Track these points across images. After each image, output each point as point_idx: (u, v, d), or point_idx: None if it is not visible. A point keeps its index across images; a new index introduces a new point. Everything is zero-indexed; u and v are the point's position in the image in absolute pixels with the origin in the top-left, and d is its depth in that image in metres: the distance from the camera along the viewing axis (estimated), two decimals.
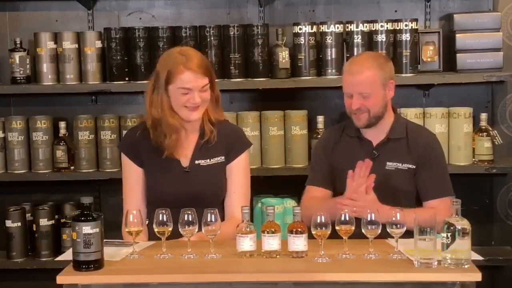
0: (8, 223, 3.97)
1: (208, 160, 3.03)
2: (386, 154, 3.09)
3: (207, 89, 2.95)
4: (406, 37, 3.85)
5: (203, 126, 3.02)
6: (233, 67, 3.89)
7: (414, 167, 3.08)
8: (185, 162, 3.03)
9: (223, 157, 3.04)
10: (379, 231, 2.65)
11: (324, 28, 3.87)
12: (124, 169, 3.11)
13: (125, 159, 3.09)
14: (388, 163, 3.09)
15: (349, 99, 3.06)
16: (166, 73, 2.93)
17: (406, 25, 3.85)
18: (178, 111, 2.96)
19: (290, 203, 3.78)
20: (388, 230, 2.64)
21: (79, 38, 3.96)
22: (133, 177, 3.06)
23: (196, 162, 3.02)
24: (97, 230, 2.51)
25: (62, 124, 3.99)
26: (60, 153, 3.96)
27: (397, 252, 2.64)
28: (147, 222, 2.89)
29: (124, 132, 3.92)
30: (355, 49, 3.85)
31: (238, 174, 3.05)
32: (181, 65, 2.91)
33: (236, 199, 3.02)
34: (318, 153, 3.26)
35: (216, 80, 3.82)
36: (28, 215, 4.03)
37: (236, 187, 3.04)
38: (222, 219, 2.99)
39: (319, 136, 3.68)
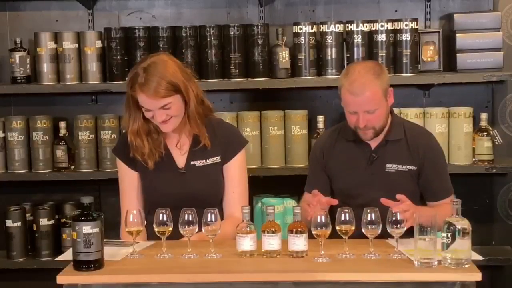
0: (8, 223, 3.97)
1: (204, 160, 3.02)
2: (385, 156, 3.08)
3: (171, 106, 2.87)
4: (406, 37, 3.85)
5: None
6: (233, 67, 3.89)
7: (415, 168, 3.07)
8: (180, 163, 3.02)
9: (219, 157, 3.03)
10: (379, 231, 2.65)
11: (324, 28, 3.87)
12: (119, 173, 3.11)
13: (120, 163, 3.09)
14: (387, 165, 3.08)
15: (352, 116, 2.99)
16: (128, 88, 2.91)
17: (406, 25, 3.85)
18: (153, 121, 2.95)
19: (290, 203, 3.79)
20: (388, 230, 2.64)
21: (79, 38, 3.95)
22: (128, 181, 3.07)
23: (192, 163, 3.02)
24: (97, 230, 2.51)
25: (62, 124, 3.99)
26: (60, 153, 3.96)
27: (397, 252, 2.64)
28: (145, 223, 2.86)
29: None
30: (355, 49, 3.85)
31: (235, 173, 3.05)
32: (138, 86, 2.85)
33: (234, 198, 3.02)
34: (313, 161, 3.25)
35: (216, 80, 3.88)
36: (28, 215, 4.03)
37: (234, 186, 3.04)
38: (222, 218, 2.98)
39: (318, 136, 3.68)
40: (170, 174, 3.00)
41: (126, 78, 2.97)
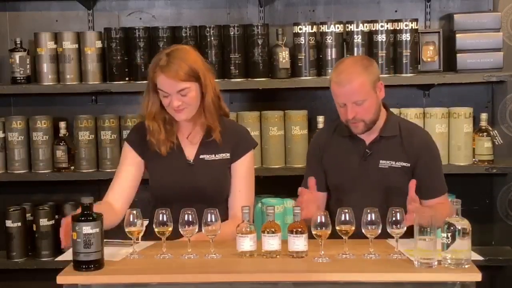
0: (8, 223, 3.97)
1: (213, 155, 3.04)
2: (379, 153, 3.09)
3: (188, 93, 2.91)
4: (406, 37, 3.85)
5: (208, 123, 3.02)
6: (233, 67, 3.89)
7: (409, 165, 3.07)
8: (190, 155, 3.04)
9: (228, 154, 3.05)
10: (379, 231, 2.65)
11: (324, 28, 3.87)
12: (122, 156, 3.10)
13: (127, 148, 3.08)
14: (381, 161, 3.08)
15: (342, 109, 3.01)
16: (151, 72, 2.96)
17: (406, 25, 3.85)
18: (168, 110, 2.98)
19: (290, 203, 3.79)
20: (388, 230, 2.64)
21: (79, 38, 3.96)
22: (128, 161, 3.05)
23: (201, 156, 3.03)
24: (97, 230, 2.51)
25: (62, 124, 3.99)
26: (60, 153, 3.96)
27: (397, 252, 2.64)
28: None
29: (124, 132, 3.95)
30: (355, 49, 3.85)
31: (243, 173, 3.06)
32: (159, 68, 2.91)
33: (241, 197, 3.03)
34: (309, 158, 3.26)
35: (216, 80, 3.87)
36: (28, 215, 4.03)
37: (241, 185, 3.06)
38: (226, 217, 3.00)
39: (316, 132, 3.67)
40: (178, 165, 3.02)
41: (149, 64, 3.00)
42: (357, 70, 2.97)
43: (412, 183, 2.82)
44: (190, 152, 3.04)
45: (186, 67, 2.90)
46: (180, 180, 3.00)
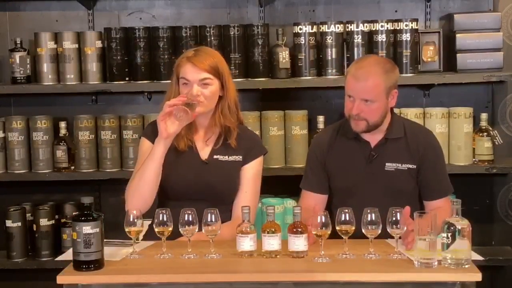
0: (8, 223, 3.97)
1: (227, 156, 3.06)
2: (385, 155, 3.08)
3: (209, 85, 2.97)
4: (406, 37, 3.85)
5: (224, 125, 3.06)
6: (233, 67, 3.89)
7: (415, 166, 3.07)
8: (204, 155, 3.06)
9: (240, 157, 3.08)
10: (379, 231, 2.65)
11: (324, 28, 3.87)
12: (141, 151, 3.07)
13: (146, 143, 3.06)
14: (387, 164, 3.07)
15: (350, 102, 3.01)
16: (176, 66, 3.04)
17: (406, 25, 3.85)
18: None
19: (290, 203, 3.79)
20: (388, 230, 2.64)
21: (79, 38, 3.96)
22: None
23: (215, 156, 3.06)
24: (97, 230, 2.51)
25: (62, 124, 3.99)
26: (60, 153, 3.96)
27: (397, 252, 2.64)
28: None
29: (124, 132, 3.95)
30: (355, 49, 3.85)
31: (251, 175, 3.08)
32: (185, 58, 3.00)
33: (246, 198, 3.04)
34: (311, 157, 3.24)
35: None
36: (28, 215, 4.03)
37: (247, 187, 3.07)
38: (230, 218, 3.02)
39: (317, 133, 3.67)
40: (194, 163, 3.04)
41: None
42: (376, 70, 2.98)
43: (407, 210, 2.68)
44: (204, 152, 3.07)
45: (213, 61, 3.00)
46: (195, 177, 3.02)
